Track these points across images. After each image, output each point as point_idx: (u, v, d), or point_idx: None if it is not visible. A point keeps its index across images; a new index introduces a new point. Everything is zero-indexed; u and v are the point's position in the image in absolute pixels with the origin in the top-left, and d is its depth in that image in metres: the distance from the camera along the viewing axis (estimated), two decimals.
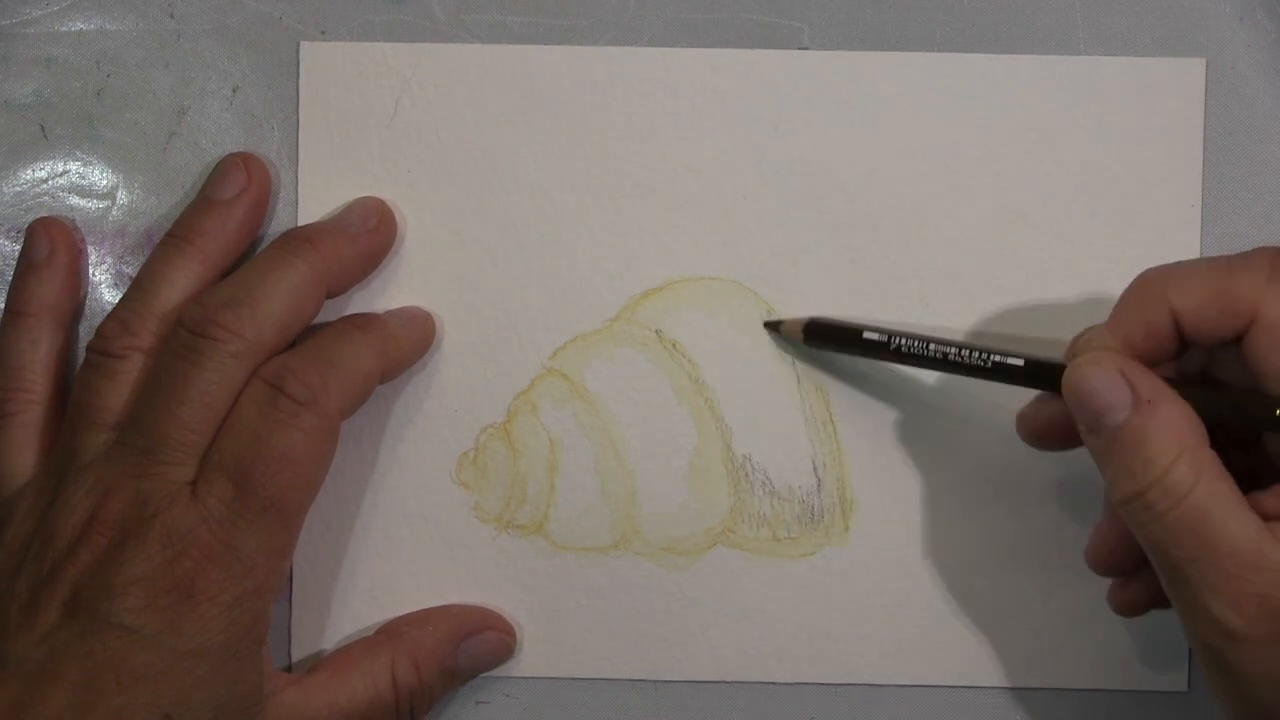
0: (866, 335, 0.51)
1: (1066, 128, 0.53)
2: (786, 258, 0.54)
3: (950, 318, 0.53)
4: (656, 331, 0.54)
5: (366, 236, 0.52)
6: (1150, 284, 0.47)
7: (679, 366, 0.54)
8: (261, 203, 0.53)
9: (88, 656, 0.46)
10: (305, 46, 0.54)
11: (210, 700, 0.47)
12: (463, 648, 0.53)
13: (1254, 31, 0.53)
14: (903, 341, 0.50)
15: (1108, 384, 0.46)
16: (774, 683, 0.54)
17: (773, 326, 0.53)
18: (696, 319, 0.54)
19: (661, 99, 0.54)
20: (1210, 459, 0.45)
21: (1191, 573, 0.44)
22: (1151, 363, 0.47)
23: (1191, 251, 0.53)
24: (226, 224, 0.52)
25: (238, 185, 0.52)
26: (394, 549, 0.54)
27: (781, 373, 0.54)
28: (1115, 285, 0.52)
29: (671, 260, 0.54)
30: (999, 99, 0.53)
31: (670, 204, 0.54)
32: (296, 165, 0.54)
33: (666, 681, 0.54)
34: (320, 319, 0.52)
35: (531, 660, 0.54)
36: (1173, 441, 0.44)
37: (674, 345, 0.54)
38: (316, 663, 0.52)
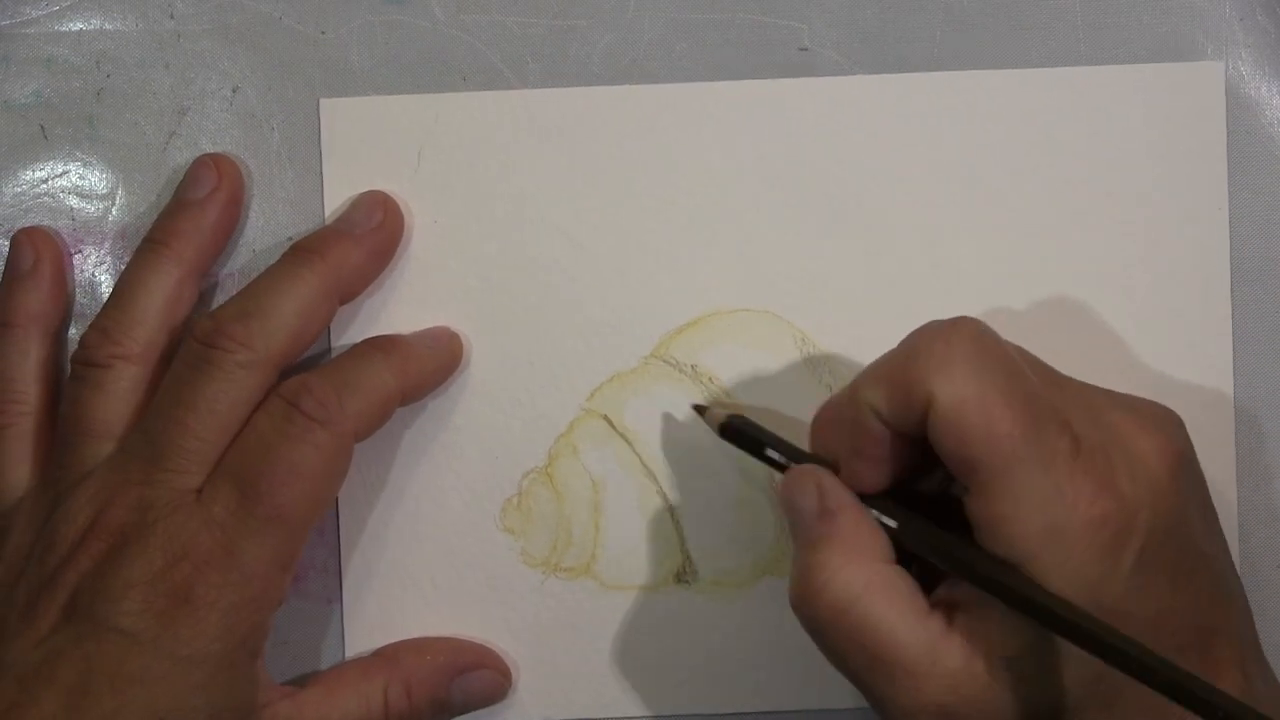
0: (769, 453, 0.50)
1: (1086, 139, 0.53)
2: (815, 283, 0.54)
3: None
4: (693, 366, 0.54)
5: (372, 235, 0.52)
6: (851, 387, 0.47)
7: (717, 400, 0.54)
8: (234, 201, 0.53)
9: (82, 660, 0.46)
10: (324, 104, 0.54)
11: (205, 708, 0.47)
12: (457, 682, 0.53)
13: (1255, 34, 0.53)
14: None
15: (801, 492, 0.47)
16: (835, 709, 0.54)
17: (699, 410, 0.53)
18: (731, 351, 0.54)
19: (676, 134, 0.54)
20: (880, 572, 0.45)
21: (867, 682, 0.45)
22: (889, 477, 0.47)
23: (1222, 257, 0.53)
24: (200, 224, 0.52)
25: (209, 185, 0.53)
26: (443, 598, 0.54)
27: (819, 399, 0.53)
28: (1148, 294, 0.53)
29: (702, 294, 0.54)
30: (1015, 114, 0.53)
31: (696, 238, 0.54)
32: (323, 220, 0.54)
33: (723, 715, 0.54)
34: (343, 326, 0.53)
35: (593, 701, 0.54)
36: (839, 552, 0.45)
37: (710, 379, 0.54)
38: (311, 677, 0.52)
